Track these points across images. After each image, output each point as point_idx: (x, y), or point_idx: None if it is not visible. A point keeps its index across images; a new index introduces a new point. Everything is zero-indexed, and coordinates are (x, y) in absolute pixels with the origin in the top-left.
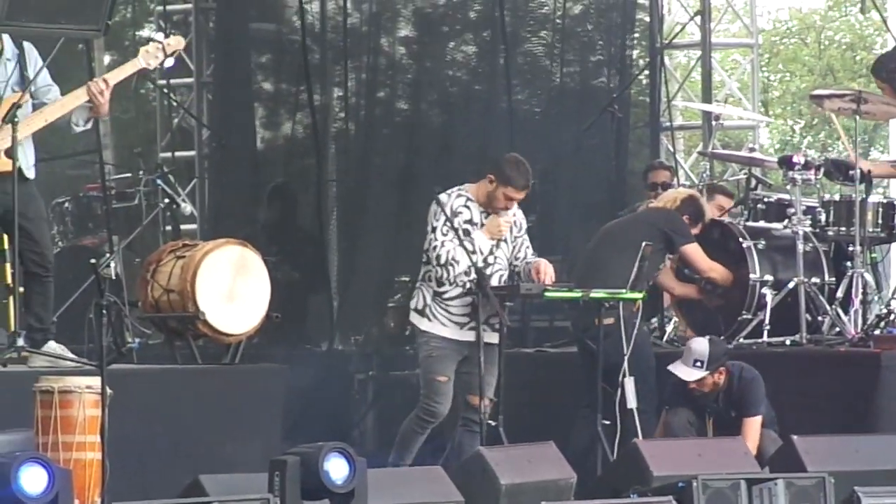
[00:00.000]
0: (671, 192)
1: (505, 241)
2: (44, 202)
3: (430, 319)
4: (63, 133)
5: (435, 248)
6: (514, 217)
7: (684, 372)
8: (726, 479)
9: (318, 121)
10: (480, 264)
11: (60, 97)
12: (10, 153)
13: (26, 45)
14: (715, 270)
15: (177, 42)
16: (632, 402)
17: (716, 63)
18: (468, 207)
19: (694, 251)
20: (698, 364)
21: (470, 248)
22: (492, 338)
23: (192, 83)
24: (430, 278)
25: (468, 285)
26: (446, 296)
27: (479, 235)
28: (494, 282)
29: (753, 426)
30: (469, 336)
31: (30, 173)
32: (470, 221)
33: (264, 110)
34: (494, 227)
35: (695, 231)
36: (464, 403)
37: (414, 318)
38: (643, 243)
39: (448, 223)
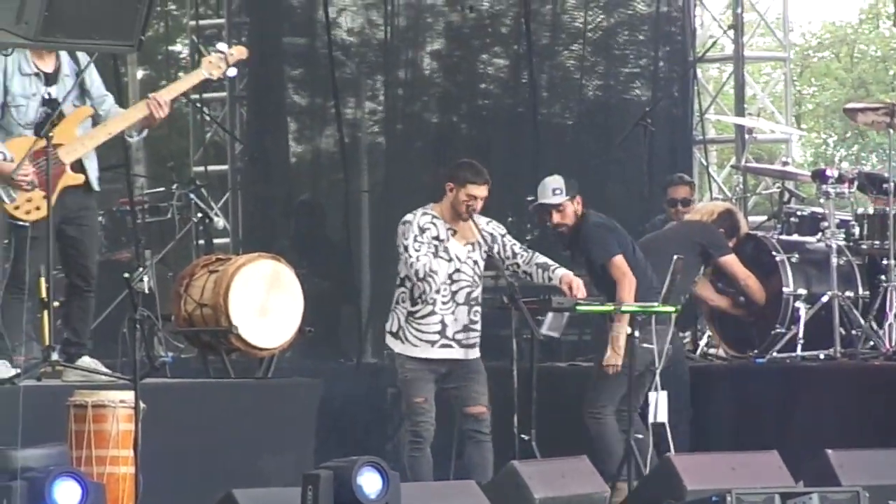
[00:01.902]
0: (708, 205)
1: (478, 260)
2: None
3: (402, 342)
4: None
5: (411, 264)
6: (490, 224)
7: (548, 199)
8: (760, 493)
9: (350, 134)
10: (458, 273)
11: (118, 108)
12: (76, 167)
13: (82, 56)
14: (751, 279)
15: (239, 52)
16: (660, 416)
17: (748, 76)
18: (434, 224)
19: (732, 262)
20: (557, 192)
21: (446, 256)
22: (468, 353)
23: (225, 97)
24: (403, 300)
25: (445, 310)
26: (418, 314)
27: (454, 243)
28: (463, 296)
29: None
30: (441, 353)
31: (96, 185)
32: (437, 238)
33: (297, 124)
34: (467, 230)
35: (729, 244)
36: (461, 417)
37: (389, 340)
38: (675, 257)
39: (418, 240)
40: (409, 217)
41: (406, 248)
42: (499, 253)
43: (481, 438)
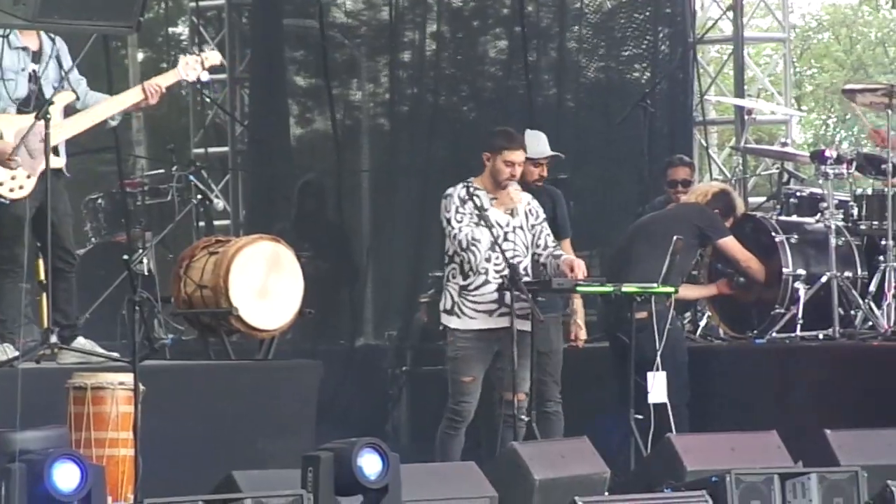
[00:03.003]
0: (703, 186)
1: (521, 227)
2: (68, 197)
3: (458, 316)
4: (91, 129)
5: (455, 235)
6: (530, 205)
7: (545, 151)
8: (759, 473)
9: (351, 116)
10: (504, 241)
11: (95, 93)
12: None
13: (58, 39)
14: (752, 261)
15: (213, 57)
16: (659, 397)
17: (748, 58)
18: (476, 195)
19: (730, 244)
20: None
21: (487, 224)
22: (523, 325)
23: (226, 79)
24: (454, 275)
25: (498, 278)
26: (471, 287)
27: (494, 211)
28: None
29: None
30: (501, 322)
31: (66, 171)
32: (479, 207)
33: (297, 106)
34: (506, 197)
35: (726, 224)
36: (500, 400)
37: (444, 318)
38: (675, 238)
39: (459, 211)
40: (449, 190)
41: (448, 221)
42: (534, 235)
43: (517, 424)
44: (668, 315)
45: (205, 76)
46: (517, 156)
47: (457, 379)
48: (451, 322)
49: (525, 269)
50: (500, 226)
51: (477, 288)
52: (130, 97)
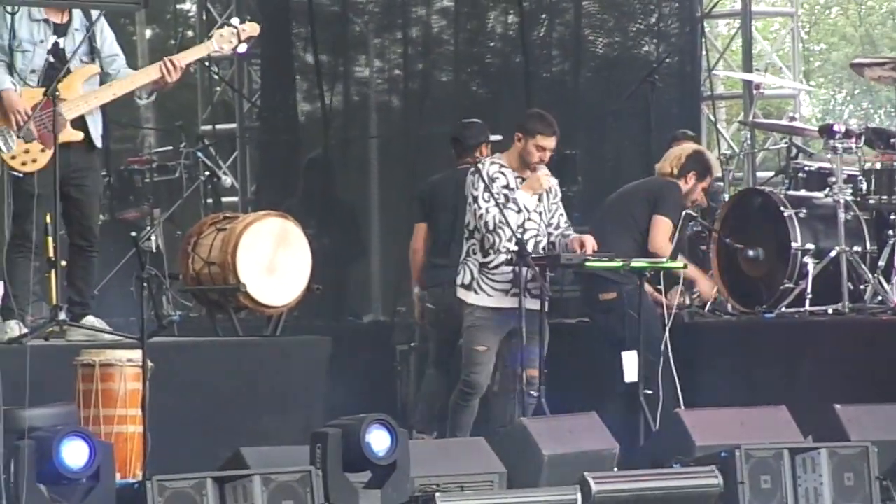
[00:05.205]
0: (676, 149)
1: (545, 209)
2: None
3: (476, 292)
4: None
5: (481, 216)
6: (550, 182)
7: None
8: (769, 448)
9: (359, 92)
10: (528, 222)
11: (129, 69)
12: (77, 124)
13: (95, 14)
14: (663, 253)
15: (252, 28)
16: (630, 376)
17: (757, 33)
18: (503, 174)
19: (662, 224)
20: None
21: (515, 207)
22: (533, 304)
23: (233, 56)
24: (474, 251)
25: (510, 255)
26: (491, 265)
27: (522, 194)
28: (532, 245)
29: None
30: (515, 302)
31: (98, 142)
32: (507, 187)
33: (305, 82)
34: (535, 181)
35: (703, 185)
36: (510, 376)
37: (461, 293)
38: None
39: (487, 190)
40: (478, 167)
41: (476, 199)
42: (550, 213)
43: (530, 401)
44: (639, 295)
45: (242, 48)
46: (550, 142)
47: (471, 348)
48: (469, 297)
49: (544, 248)
50: (526, 209)
51: (497, 266)
52: (148, 74)
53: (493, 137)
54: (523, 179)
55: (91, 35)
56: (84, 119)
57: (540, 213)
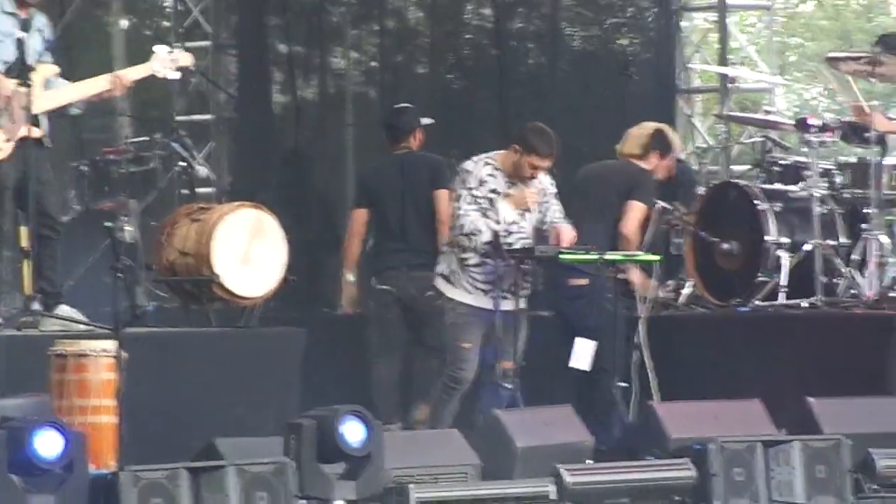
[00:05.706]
0: (636, 129)
1: (529, 210)
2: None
3: (455, 286)
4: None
5: (459, 216)
6: (540, 185)
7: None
8: (743, 440)
9: (336, 84)
10: (503, 234)
11: (63, 81)
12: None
13: (41, 15)
14: (631, 237)
15: (184, 59)
16: (579, 363)
17: (732, 26)
18: (494, 176)
19: (637, 209)
20: None
21: (494, 217)
22: (511, 305)
23: (209, 46)
24: (456, 244)
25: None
26: (469, 262)
27: (504, 206)
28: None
29: None
30: (493, 303)
31: (49, 143)
32: (495, 191)
33: (280, 73)
34: (521, 200)
35: (666, 162)
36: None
37: (440, 283)
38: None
39: (472, 193)
40: (468, 165)
41: (459, 198)
42: (542, 213)
43: (502, 392)
44: (606, 285)
45: (174, 76)
46: (545, 163)
47: (457, 345)
48: (449, 291)
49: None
50: (505, 221)
51: (476, 265)
52: (98, 85)
53: (425, 121)
54: (514, 184)
55: (43, 34)
56: (37, 118)
57: (520, 227)
